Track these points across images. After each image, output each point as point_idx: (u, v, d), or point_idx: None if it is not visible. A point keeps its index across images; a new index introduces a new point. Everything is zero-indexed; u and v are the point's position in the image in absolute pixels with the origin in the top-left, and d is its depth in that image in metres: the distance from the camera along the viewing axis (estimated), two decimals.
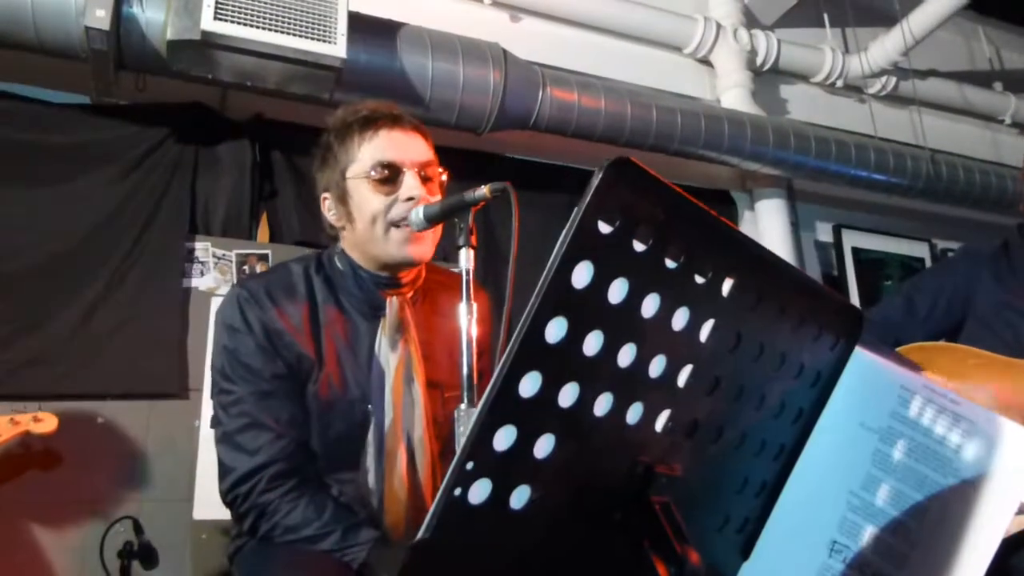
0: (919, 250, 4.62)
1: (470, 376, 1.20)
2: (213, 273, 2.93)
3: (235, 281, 2.88)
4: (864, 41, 4.50)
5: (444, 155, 1.69)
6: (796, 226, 4.16)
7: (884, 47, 4.32)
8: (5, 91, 2.78)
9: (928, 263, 4.58)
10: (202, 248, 2.95)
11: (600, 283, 0.65)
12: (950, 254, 4.56)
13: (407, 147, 1.58)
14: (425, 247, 1.58)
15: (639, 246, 0.66)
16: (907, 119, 4.73)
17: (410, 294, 1.65)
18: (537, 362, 0.63)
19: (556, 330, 0.63)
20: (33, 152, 2.76)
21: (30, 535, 2.47)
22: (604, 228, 0.63)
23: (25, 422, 2.21)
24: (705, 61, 4.14)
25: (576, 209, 0.61)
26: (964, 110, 4.88)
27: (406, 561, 0.61)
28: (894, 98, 4.65)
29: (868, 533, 0.93)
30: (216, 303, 2.85)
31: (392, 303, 1.60)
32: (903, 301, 2.40)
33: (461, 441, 1.18)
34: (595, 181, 0.61)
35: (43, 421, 2.24)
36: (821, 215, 4.45)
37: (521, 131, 3.29)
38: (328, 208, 1.65)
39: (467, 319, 1.24)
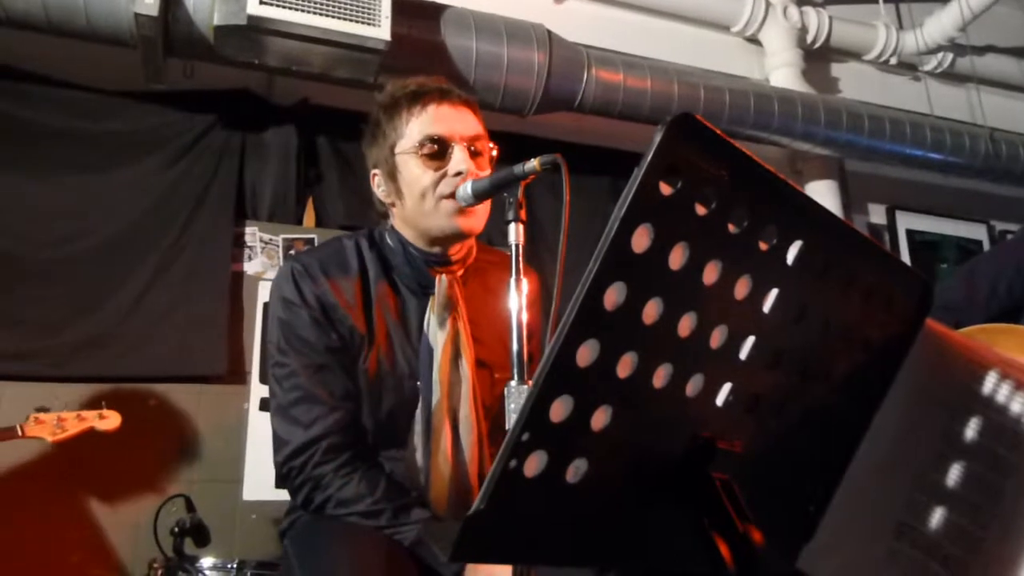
0: (977, 232, 4.47)
1: (520, 352, 1.18)
2: (260, 258, 2.96)
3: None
4: (919, 17, 4.35)
5: (489, 138, 1.67)
6: (848, 208, 4.05)
7: (940, 22, 4.17)
8: (58, 79, 2.82)
9: (986, 245, 4.43)
10: (250, 233, 2.98)
11: (660, 248, 0.62)
12: (1009, 236, 4.40)
13: (456, 121, 1.57)
14: (475, 220, 1.56)
15: (701, 209, 0.63)
16: (964, 97, 4.57)
17: (460, 272, 1.64)
18: (595, 330, 0.61)
19: (615, 296, 0.60)
20: (84, 139, 2.82)
21: (88, 512, 2.54)
22: (665, 190, 0.60)
23: (91, 419, 2.27)
24: (754, 40, 4.05)
25: (637, 169, 0.58)
26: None
27: (461, 533, 0.60)
28: (951, 75, 4.49)
29: (938, 515, 0.89)
30: (264, 287, 2.89)
31: (441, 281, 1.59)
32: (962, 283, 2.33)
33: (512, 417, 1.17)
34: (657, 138, 0.58)
35: (107, 418, 2.29)
36: (874, 196, 4.32)
37: (566, 113, 3.26)
38: (377, 185, 1.65)
39: (516, 294, 1.22)
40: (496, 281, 1.69)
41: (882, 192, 4.32)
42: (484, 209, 1.57)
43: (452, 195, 1.51)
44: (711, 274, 0.67)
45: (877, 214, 4.32)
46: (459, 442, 1.53)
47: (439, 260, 1.61)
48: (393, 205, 1.63)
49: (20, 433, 2.17)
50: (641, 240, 0.61)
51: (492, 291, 1.68)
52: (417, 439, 1.53)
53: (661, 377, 0.68)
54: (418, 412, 1.53)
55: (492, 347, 1.63)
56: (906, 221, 4.30)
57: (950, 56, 4.37)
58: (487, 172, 1.55)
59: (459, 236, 1.59)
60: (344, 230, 3.03)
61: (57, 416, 2.22)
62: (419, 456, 1.52)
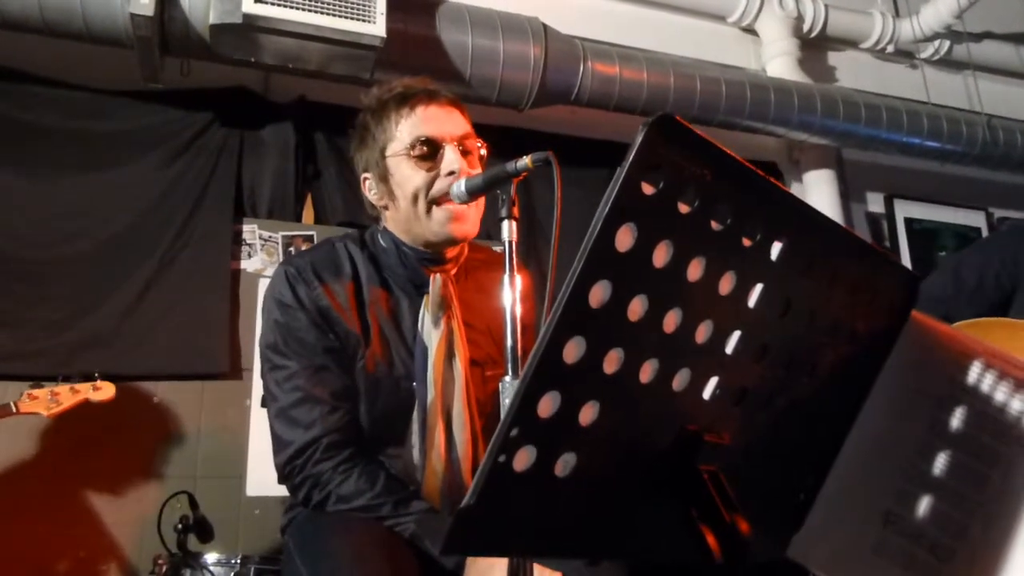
0: (975, 219, 4.47)
1: (514, 348, 1.19)
2: (260, 255, 2.97)
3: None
4: (916, 4, 4.34)
5: (485, 132, 1.68)
6: (846, 197, 4.05)
7: (937, 9, 4.16)
8: (56, 79, 2.83)
9: (984, 232, 4.43)
10: (249, 230, 2.99)
11: (644, 246, 0.63)
12: (1007, 222, 4.41)
13: (445, 121, 1.57)
14: (468, 225, 1.57)
15: (684, 208, 0.65)
16: (961, 84, 4.56)
17: (453, 271, 1.65)
18: (581, 327, 0.62)
19: (600, 294, 0.62)
20: (82, 139, 2.83)
21: (93, 509, 2.56)
22: (648, 189, 0.61)
23: (85, 390, 2.28)
24: (750, 30, 4.04)
25: (618, 170, 0.59)
26: (1022, 73, 4.69)
27: (451, 527, 0.61)
28: (948, 63, 4.48)
29: (925, 504, 0.90)
30: (264, 284, 2.89)
31: (436, 280, 1.59)
32: (949, 276, 2.32)
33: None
34: (638, 139, 0.59)
35: (102, 389, 2.30)
36: (872, 185, 4.32)
37: (563, 106, 3.26)
38: (369, 188, 1.65)
39: (510, 291, 1.23)
40: (487, 279, 1.70)
41: (880, 180, 4.33)
42: (477, 214, 1.58)
43: (445, 198, 1.52)
44: (695, 271, 0.68)
45: (875, 203, 4.33)
46: (452, 440, 1.54)
47: (433, 259, 1.62)
48: (386, 208, 1.64)
49: (15, 410, 2.17)
50: (625, 239, 0.62)
51: (484, 289, 1.69)
52: (414, 438, 1.54)
53: (648, 372, 0.69)
54: (415, 412, 1.55)
55: (484, 345, 1.64)
56: (904, 209, 4.30)
57: (947, 43, 4.36)
58: (478, 170, 1.56)
59: (452, 242, 1.60)
60: (343, 226, 3.05)
61: (50, 391, 2.22)
62: (416, 453, 1.54)
